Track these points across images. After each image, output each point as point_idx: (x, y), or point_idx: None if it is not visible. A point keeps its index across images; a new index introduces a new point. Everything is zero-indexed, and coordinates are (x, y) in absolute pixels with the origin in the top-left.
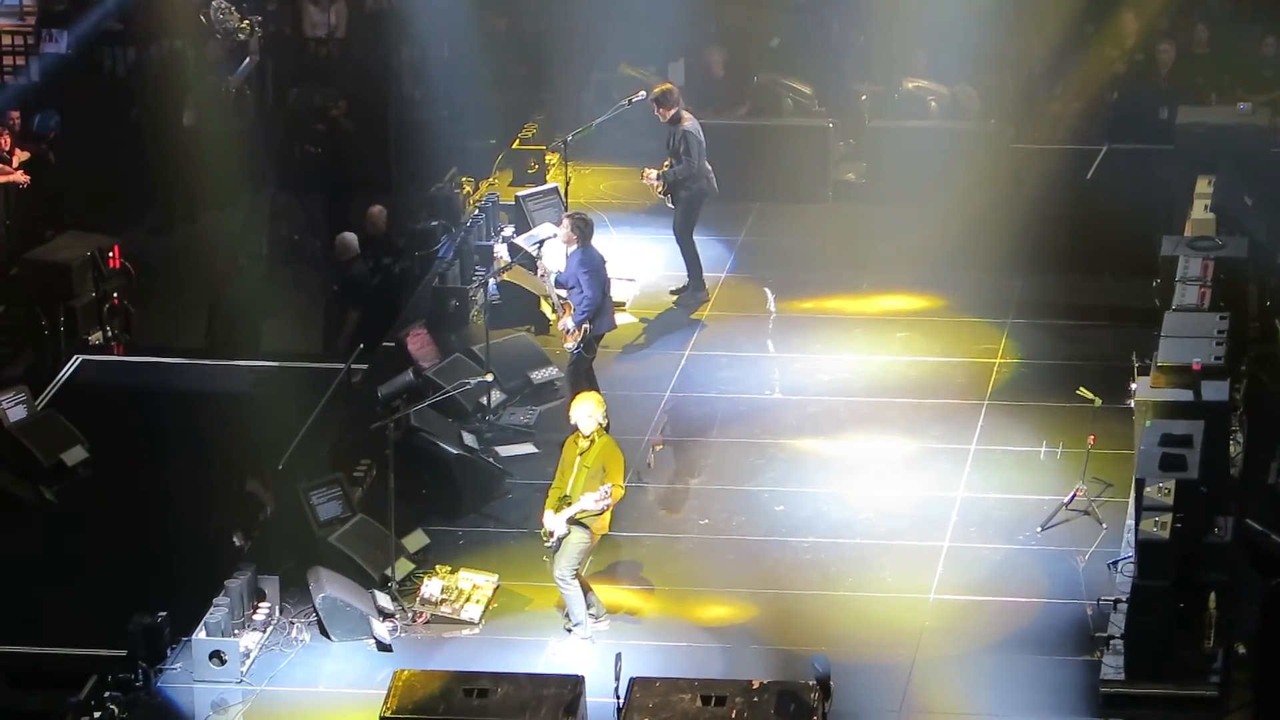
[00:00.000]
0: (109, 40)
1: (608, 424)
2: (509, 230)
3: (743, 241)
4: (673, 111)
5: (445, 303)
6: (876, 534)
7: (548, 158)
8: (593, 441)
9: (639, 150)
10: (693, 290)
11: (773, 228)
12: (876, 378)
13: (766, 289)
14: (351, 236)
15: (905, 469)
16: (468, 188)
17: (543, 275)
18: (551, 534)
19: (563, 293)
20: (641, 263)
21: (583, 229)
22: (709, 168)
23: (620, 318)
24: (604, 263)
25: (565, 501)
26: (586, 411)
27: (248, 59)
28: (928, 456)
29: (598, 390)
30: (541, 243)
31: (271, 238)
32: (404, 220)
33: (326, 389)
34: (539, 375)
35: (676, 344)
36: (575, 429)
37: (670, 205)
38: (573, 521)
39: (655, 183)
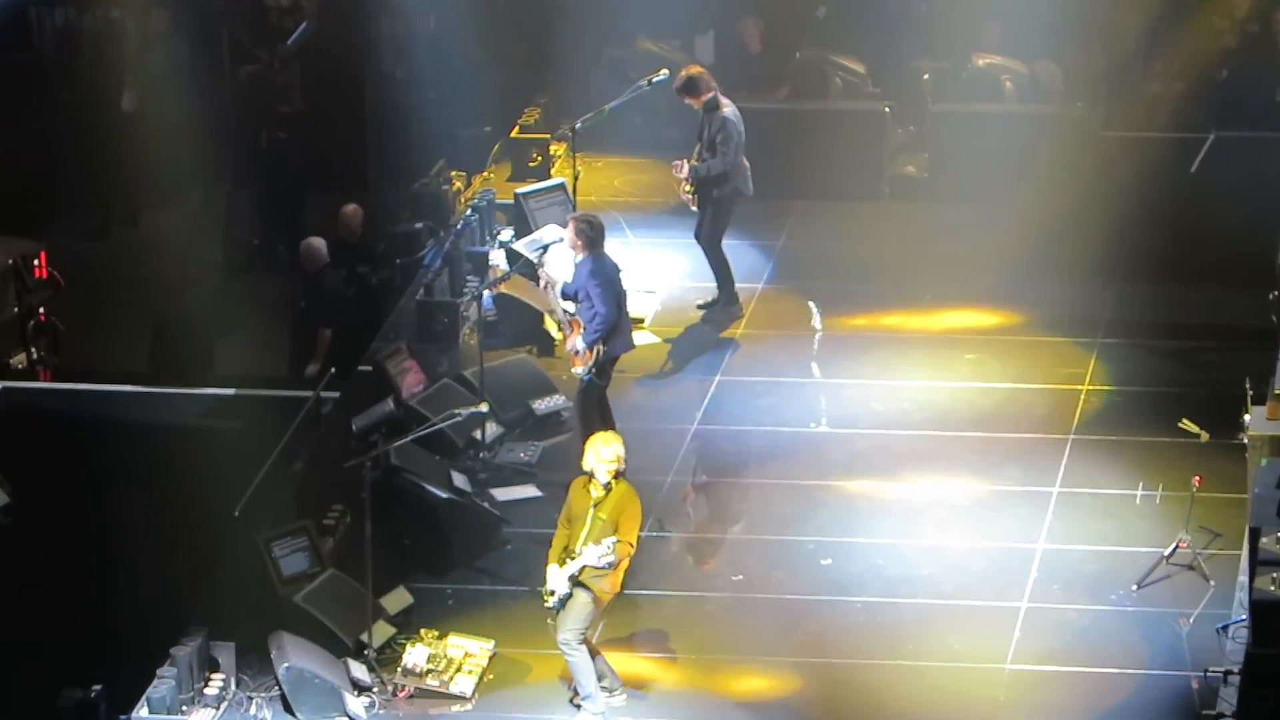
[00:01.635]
0: (36, 3)
1: (624, 466)
2: (507, 234)
3: (783, 247)
4: (707, 97)
5: (432, 319)
6: (942, 592)
7: (552, 148)
8: (609, 489)
9: (660, 140)
10: (723, 304)
11: (818, 230)
12: (941, 408)
13: (811, 303)
14: (320, 242)
15: (976, 515)
16: (458, 183)
17: (546, 287)
18: (553, 592)
19: (570, 307)
20: (663, 273)
21: (593, 233)
22: (746, 164)
23: (638, 337)
24: (618, 272)
25: (571, 555)
26: (605, 457)
27: (304, 23)
28: (1002, 501)
29: (611, 423)
30: (545, 248)
31: (227, 242)
32: (383, 222)
33: (291, 421)
34: (542, 405)
35: (705, 368)
36: (587, 471)
37: (694, 208)
38: (578, 580)
39: (684, 178)
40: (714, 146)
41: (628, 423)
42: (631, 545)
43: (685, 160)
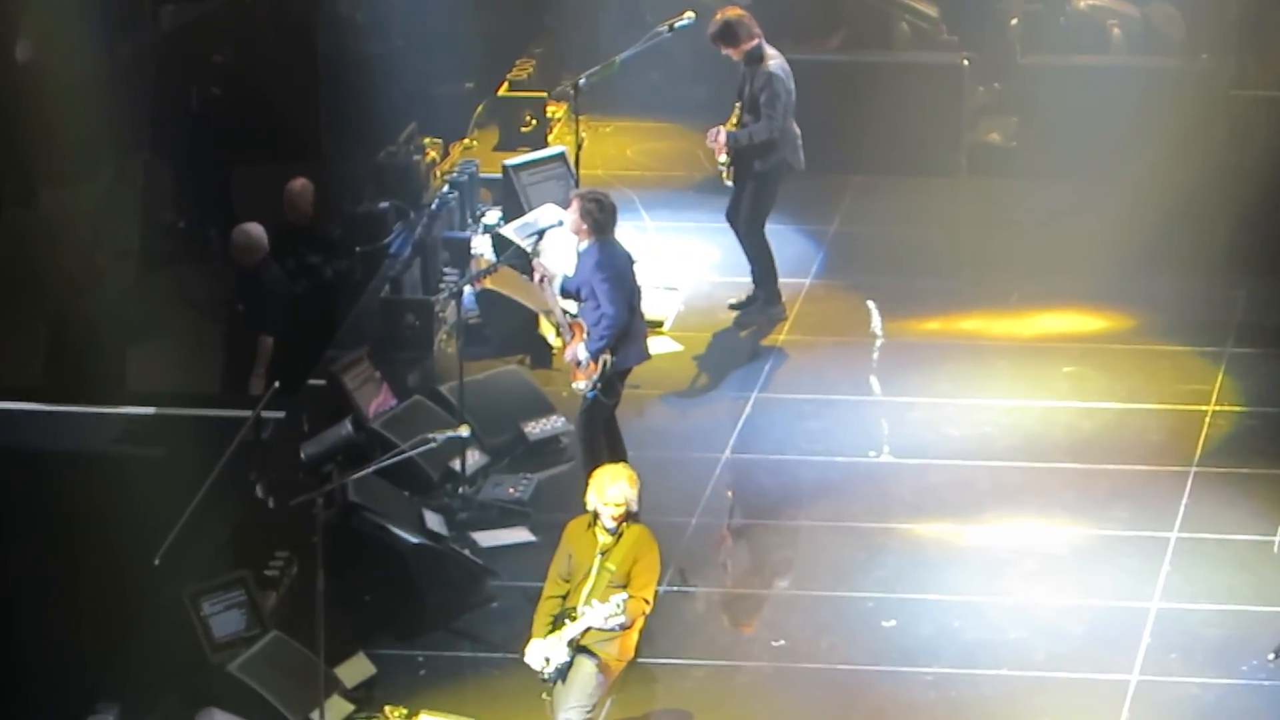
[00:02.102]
0: None
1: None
2: (493, 216)
3: (836, 233)
4: (749, 46)
5: (400, 321)
6: (1033, 662)
7: (550, 109)
8: (619, 535)
9: (684, 100)
10: (763, 305)
11: (880, 212)
12: (1032, 433)
13: (870, 303)
14: (259, 229)
15: (1075, 567)
16: (433, 153)
17: (543, 282)
18: (549, 660)
19: (572, 307)
20: (688, 264)
21: (601, 215)
22: (796, 131)
23: (655, 344)
24: (632, 264)
25: (571, 616)
26: (611, 497)
27: None
28: (1107, 548)
29: (622, 451)
30: (541, 234)
31: (145, 227)
32: (339, 201)
33: (225, 448)
34: (537, 429)
35: (739, 383)
36: (590, 511)
37: (729, 183)
38: (579, 646)
39: (720, 146)
40: (757, 108)
41: (643, 451)
42: (647, 602)
43: (721, 126)
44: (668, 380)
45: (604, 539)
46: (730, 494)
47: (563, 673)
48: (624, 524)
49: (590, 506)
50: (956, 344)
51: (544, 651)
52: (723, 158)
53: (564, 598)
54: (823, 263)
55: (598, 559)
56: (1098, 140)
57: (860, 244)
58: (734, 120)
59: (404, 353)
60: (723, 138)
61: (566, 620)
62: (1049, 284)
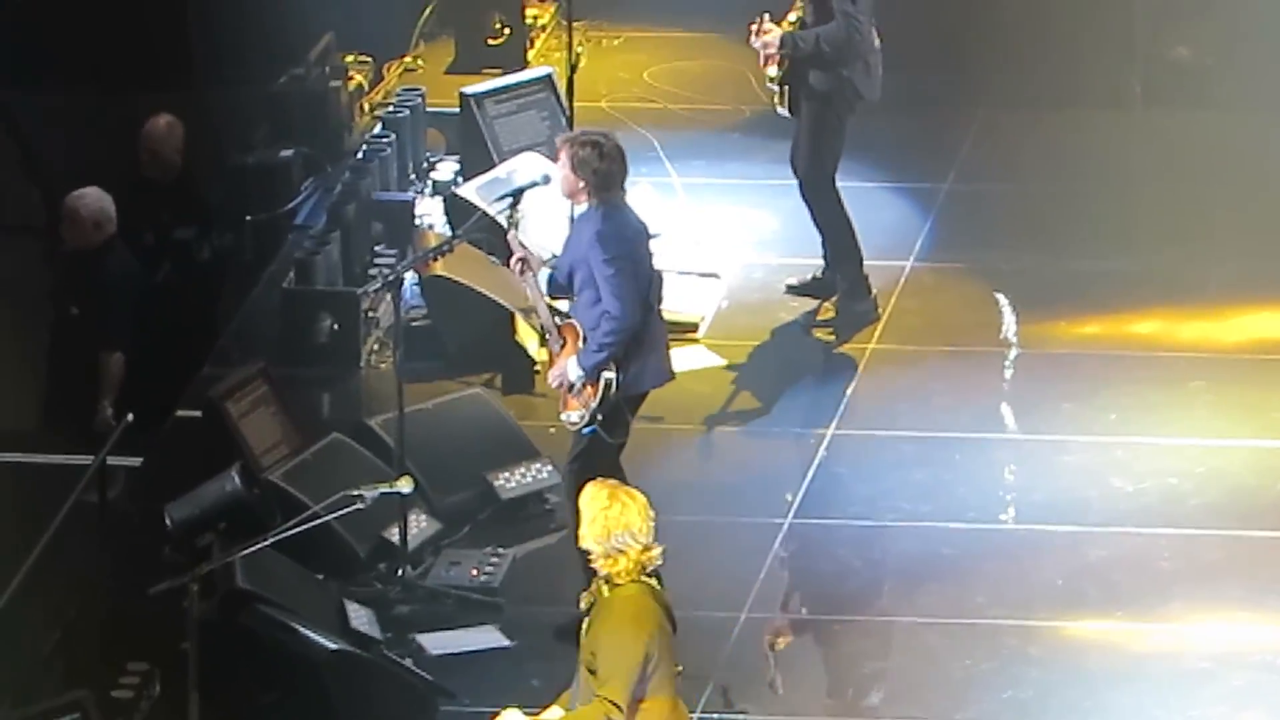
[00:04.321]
0: None
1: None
2: (447, 169)
3: (950, 194)
4: None
5: (310, 324)
6: None
7: (531, 11)
8: (595, 599)
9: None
10: (843, 297)
11: (1013, 164)
12: (1240, 487)
13: (999, 295)
14: (100, 196)
15: None
16: (358, 77)
17: (522, 266)
18: None
19: (563, 304)
20: (734, 240)
21: (603, 166)
22: (875, 41)
23: (684, 357)
24: (648, 238)
25: None
26: (613, 526)
27: None
28: None
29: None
30: (517, 196)
31: None
32: (219, 148)
33: (54, 510)
34: (510, 481)
35: (808, 414)
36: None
37: (786, 113)
38: None
39: (769, 51)
40: (825, 2)
41: (668, 514)
42: (616, 709)
43: (771, 19)
44: (702, 410)
45: (585, 602)
46: (794, 577)
47: None
48: (614, 578)
49: (583, 544)
50: (1127, 356)
51: None
52: (773, 70)
53: None
54: (930, 237)
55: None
56: None
57: (985, 209)
58: (794, 18)
59: (317, 369)
60: (774, 35)
61: None
62: (1263, 266)
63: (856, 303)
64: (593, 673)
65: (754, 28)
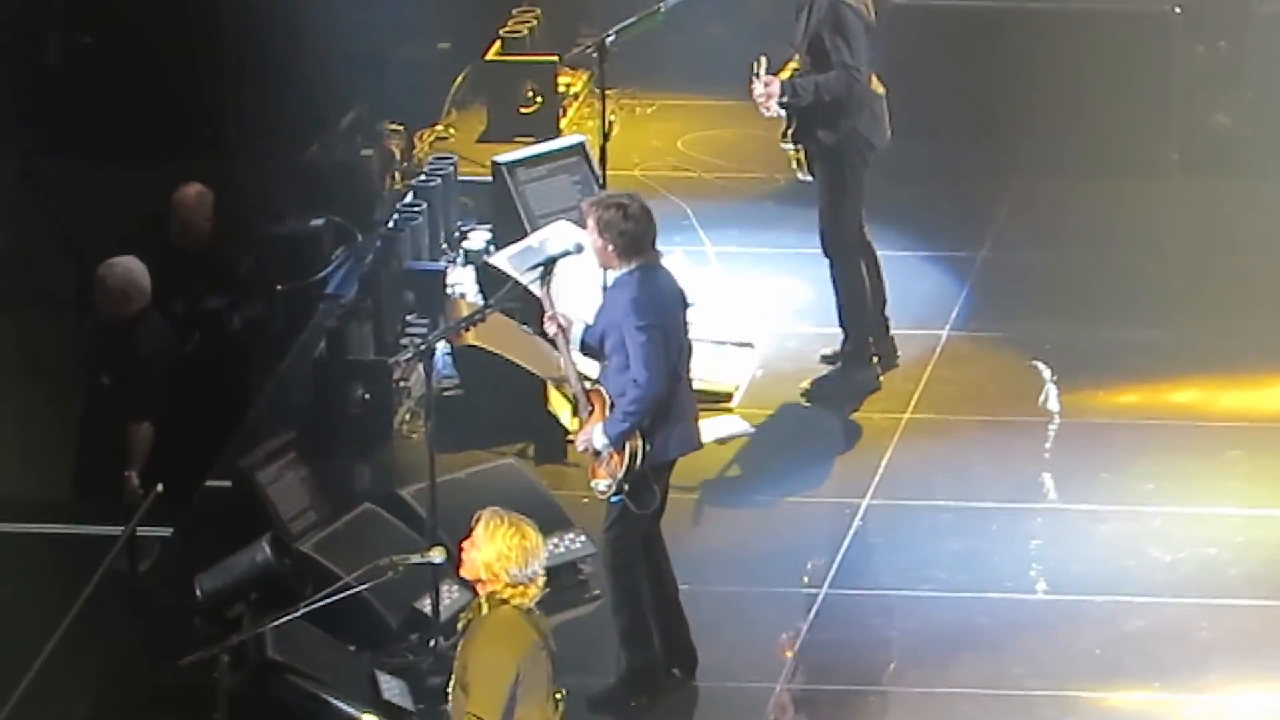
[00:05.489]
0: None
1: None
2: (479, 238)
3: (986, 262)
4: None
5: (341, 394)
6: None
7: (564, 80)
8: (473, 616)
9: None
10: (848, 361)
11: (1050, 231)
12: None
13: (1038, 363)
14: (134, 266)
15: None
16: (391, 146)
17: (557, 334)
18: None
19: (592, 370)
20: (767, 309)
21: (626, 225)
22: (878, 89)
23: (715, 426)
24: (683, 305)
25: None
26: (530, 555)
27: None
28: None
29: (669, 581)
30: (550, 264)
31: None
32: (250, 217)
33: (83, 582)
34: (545, 553)
35: (843, 484)
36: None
37: (808, 177)
38: None
39: (773, 93)
40: (821, 50)
41: (703, 584)
42: None
43: (767, 69)
44: (736, 479)
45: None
46: (829, 648)
47: None
48: (486, 602)
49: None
50: (1165, 425)
51: None
52: (772, 109)
53: None
54: (967, 305)
55: None
56: None
57: (1022, 278)
58: (792, 65)
59: (348, 439)
60: (774, 84)
61: None
62: None
63: (858, 370)
64: (465, 690)
65: (753, 68)
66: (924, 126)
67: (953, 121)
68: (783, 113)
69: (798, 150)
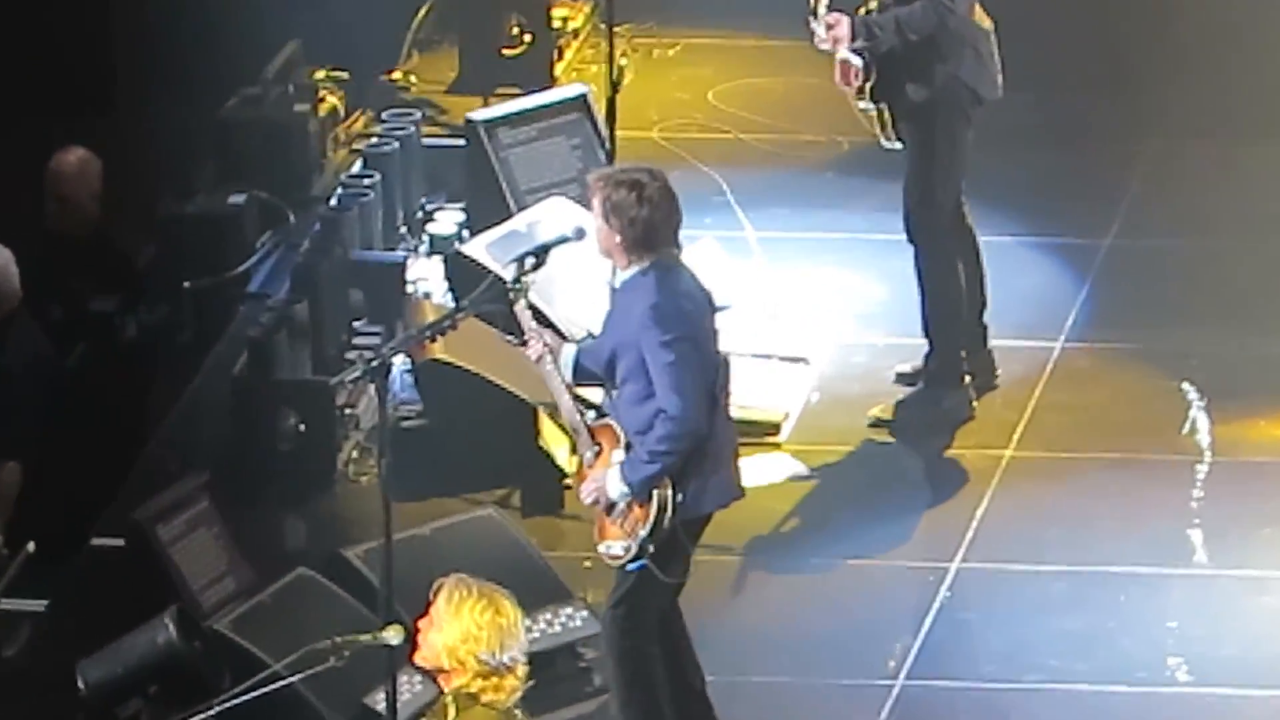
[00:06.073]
0: None
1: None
2: (448, 220)
3: (1112, 251)
4: None
5: (270, 424)
6: None
7: (559, 11)
8: None
9: None
10: (932, 381)
11: (1195, 212)
12: None
13: (1186, 385)
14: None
15: None
16: (331, 99)
17: (543, 351)
18: None
19: (593, 393)
20: (826, 314)
21: (641, 212)
22: (986, 24)
23: (760, 468)
24: (711, 312)
25: None
26: (507, 637)
27: None
28: None
29: (694, 670)
30: (541, 254)
31: None
32: (150, 192)
33: None
34: (532, 630)
35: (925, 542)
36: None
37: (894, 143)
38: None
39: (840, 34)
40: None
41: (739, 673)
42: None
43: (830, 3)
44: (785, 537)
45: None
46: None
47: None
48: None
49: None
50: None
51: None
52: (843, 56)
53: None
54: (1087, 309)
55: None
56: None
57: (1158, 272)
58: (873, 4)
59: (277, 485)
60: (844, 26)
61: None
62: None
63: (946, 392)
64: None
65: (812, 2)
66: (1036, 77)
67: (1074, 73)
68: (858, 60)
69: (880, 109)
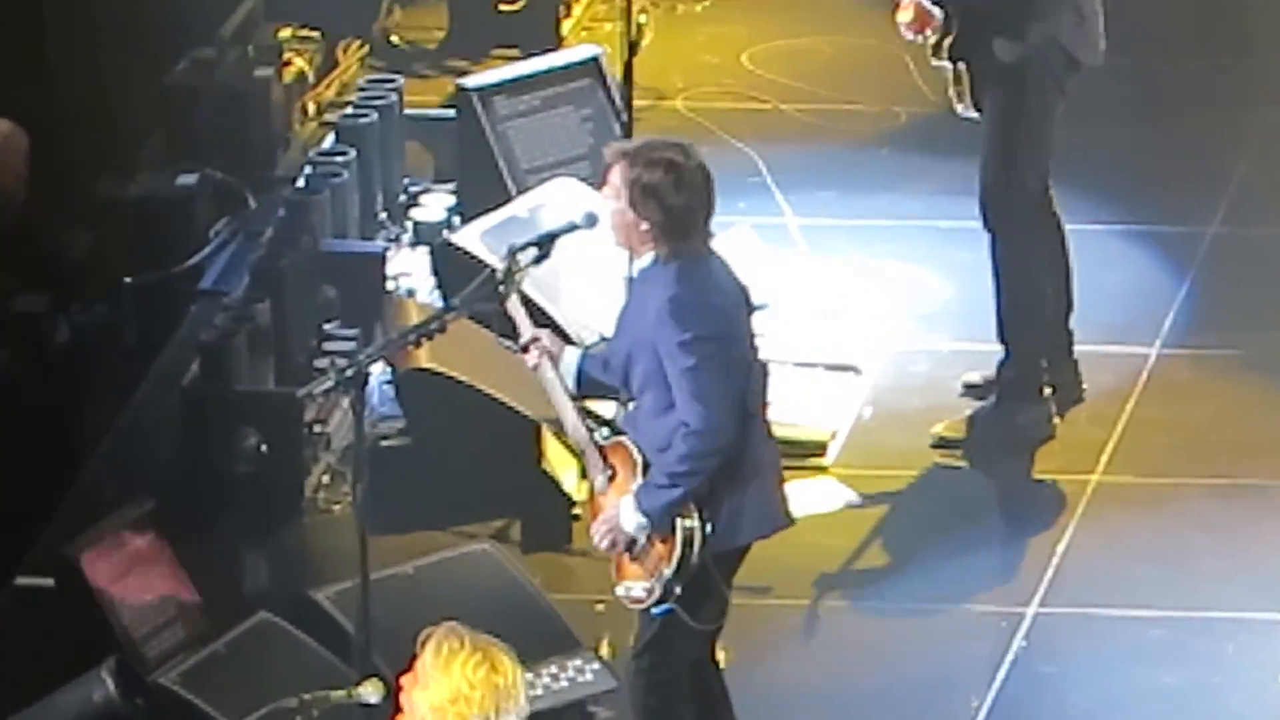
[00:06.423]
0: None
1: None
2: (435, 203)
3: (1217, 240)
4: None
5: (226, 443)
6: None
7: None
8: None
9: None
10: (1006, 392)
11: None
12: None
13: None
14: None
15: None
16: (298, 62)
17: (536, 351)
18: None
19: (603, 405)
20: (880, 315)
21: (678, 202)
22: None
23: (807, 494)
24: (746, 310)
25: None
26: (503, 699)
27: None
28: None
29: (726, 717)
30: (545, 244)
31: None
32: (86, 172)
33: None
34: (535, 685)
35: (994, 579)
36: None
37: (971, 111)
38: None
39: (925, 21)
40: None
41: None
42: None
43: None
44: (834, 576)
45: None
46: None
47: None
48: None
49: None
50: None
51: None
52: (931, 30)
53: None
54: (1187, 310)
55: None
56: None
57: (1273, 264)
58: None
59: (235, 515)
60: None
61: None
62: None
63: (1023, 407)
64: None
65: None
66: (1130, 38)
67: (1174, 31)
68: (937, 11)
69: (959, 70)
